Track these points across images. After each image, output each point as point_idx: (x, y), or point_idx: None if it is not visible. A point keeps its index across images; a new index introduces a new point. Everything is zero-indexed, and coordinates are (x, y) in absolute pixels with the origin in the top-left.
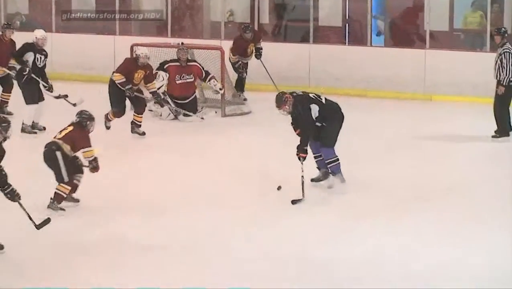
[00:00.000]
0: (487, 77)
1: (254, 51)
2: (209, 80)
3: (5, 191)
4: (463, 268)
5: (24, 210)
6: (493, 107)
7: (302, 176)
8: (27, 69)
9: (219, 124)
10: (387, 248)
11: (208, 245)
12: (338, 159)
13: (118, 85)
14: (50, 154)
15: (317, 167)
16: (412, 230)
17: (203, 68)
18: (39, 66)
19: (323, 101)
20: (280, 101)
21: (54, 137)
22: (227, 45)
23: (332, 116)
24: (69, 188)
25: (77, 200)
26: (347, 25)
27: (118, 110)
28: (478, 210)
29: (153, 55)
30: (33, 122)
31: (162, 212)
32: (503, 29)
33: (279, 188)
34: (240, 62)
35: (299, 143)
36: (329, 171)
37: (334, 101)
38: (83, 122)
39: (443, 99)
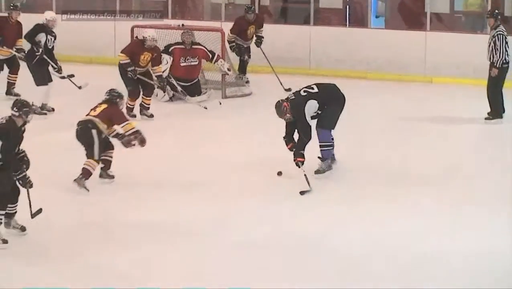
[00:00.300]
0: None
1: (254, 36)
2: (217, 61)
3: (18, 176)
4: (462, 249)
5: (29, 198)
6: (487, 89)
7: (303, 170)
8: (40, 50)
9: (219, 106)
10: (388, 231)
11: (210, 234)
12: (332, 145)
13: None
14: (85, 132)
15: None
16: (413, 213)
17: (208, 51)
18: (49, 47)
19: (316, 90)
20: (280, 112)
21: (87, 115)
22: (227, 27)
23: (331, 100)
24: (97, 164)
25: (112, 176)
26: (347, 6)
27: (132, 88)
28: (476, 192)
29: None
30: (42, 103)
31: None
32: (496, 11)
33: (279, 173)
34: (234, 44)
35: (296, 148)
36: (320, 155)
37: (329, 83)
38: (114, 99)
39: (444, 81)
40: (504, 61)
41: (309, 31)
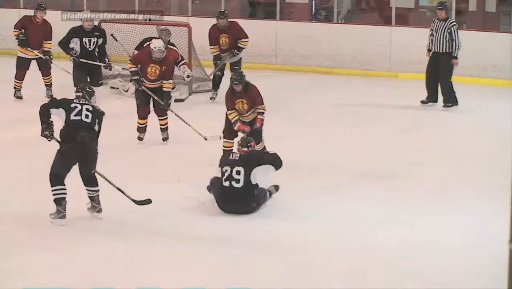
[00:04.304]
0: None
1: (228, 45)
2: (180, 66)
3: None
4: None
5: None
6: (435, 79)
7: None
8: (72, 58)
9: (186, 101)
10: (363, 223)
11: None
12: None
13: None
14: None
15: None
16: (386, 203)
17: (180, 54)
18: (89, 49)
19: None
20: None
21: None
22: (194, 22)
23: None
24: None
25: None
26: (313, 1)
27: (139, 103)
28: (445, 182)
29: (121, 31)
30: None
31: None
32: (445, 3)
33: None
34: (216, 60)
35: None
36: None
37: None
38: None
39: (409, 77)
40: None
41: (275, 26)
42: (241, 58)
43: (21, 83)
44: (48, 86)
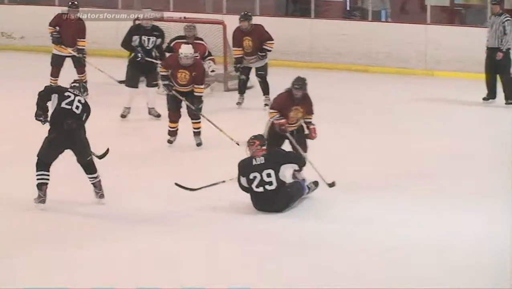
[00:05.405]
0: None
1: (252, 49)
2: (206, 60)
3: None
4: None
5: None
6: (489, 74)
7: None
8: (139, 54)
9: (222, 98)
10: (393, 217)
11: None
12: None
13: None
14: None
15: None
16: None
17: (208, 50)
18: (148, 47)
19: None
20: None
21: None
22: (229, 19)
23: None
24: None
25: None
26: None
27: (169, 107)
28: (478, 180)
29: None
30: (148, 108)
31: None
32: None
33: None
34: (238, 63)
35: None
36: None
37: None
38: None
39: (445, 75)
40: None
41: (310, 24)
42: (266, 64)
43: (56, 80)
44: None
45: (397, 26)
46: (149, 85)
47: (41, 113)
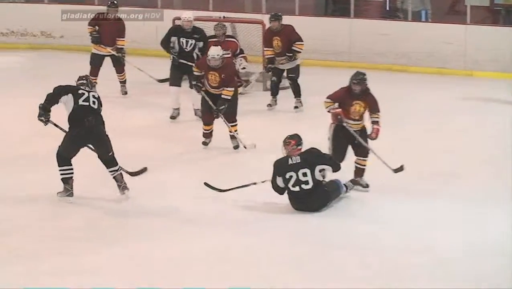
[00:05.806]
0: None
1: (281, 49)
2: (238, 57)
3: None
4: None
5: None
6: None
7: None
8: (172, 56)
9: (258, 97)
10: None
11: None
12: None
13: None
14: None
15: None
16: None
17: (240, 48)
18: (186, 50)
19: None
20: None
21: None
22: (268, 19)
23: None
24: None
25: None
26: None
27: (202, 109)
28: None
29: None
30: (194, 108)
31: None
32: None
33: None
34: (269, 64)
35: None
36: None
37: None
38: None
39: (484, 75)
40: None
41: (349, 24)
42: (298, 66)
43: (96, 79)
44: (122, 83)
45: (436, 26)
46: (191, 86)
47: (43, 113)
